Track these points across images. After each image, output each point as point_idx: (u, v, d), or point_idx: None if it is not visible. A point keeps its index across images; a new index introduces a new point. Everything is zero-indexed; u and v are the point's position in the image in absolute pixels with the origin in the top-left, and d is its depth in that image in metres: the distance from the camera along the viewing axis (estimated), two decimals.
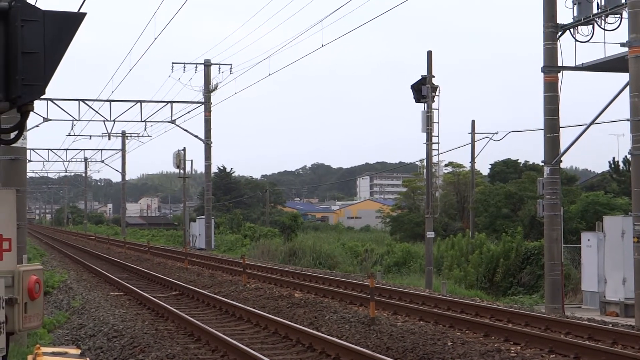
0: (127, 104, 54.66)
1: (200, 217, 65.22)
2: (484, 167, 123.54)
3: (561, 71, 26.11)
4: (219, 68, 56.23)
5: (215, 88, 56.69)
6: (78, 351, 6.92)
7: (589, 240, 27.76)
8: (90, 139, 72.89)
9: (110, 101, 53.70)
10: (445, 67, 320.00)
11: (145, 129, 69.27)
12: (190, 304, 24.03)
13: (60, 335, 18.09)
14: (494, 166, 73.82)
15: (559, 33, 25.90)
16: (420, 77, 34.26)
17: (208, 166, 58.88)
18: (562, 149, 26.29)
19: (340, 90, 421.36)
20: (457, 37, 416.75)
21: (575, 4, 25.24)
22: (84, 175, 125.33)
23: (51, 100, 51.75)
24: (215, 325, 18.57)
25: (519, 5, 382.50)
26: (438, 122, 34.45)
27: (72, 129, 63.79)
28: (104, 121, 55.22)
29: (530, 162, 70.40)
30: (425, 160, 36.25)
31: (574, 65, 25.95)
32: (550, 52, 25.98)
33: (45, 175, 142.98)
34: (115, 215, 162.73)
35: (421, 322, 18.82)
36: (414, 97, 34.33)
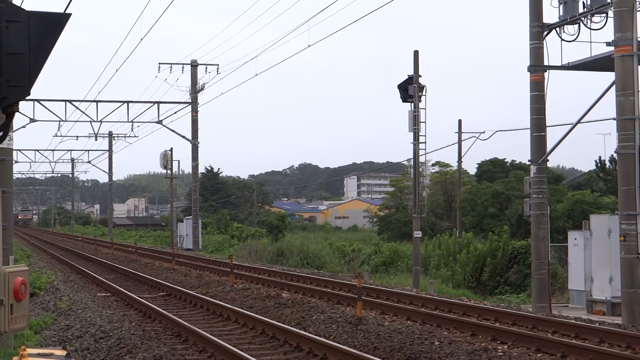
0: (114, 105, 54.54)
1: (187, 217, 65.09)
2: (471, 167, 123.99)
3: (547, 70, 26.21)
4: (206, 68, 56.21)
5: (202, 88, 56.66)
6: (64, 352, 6.90)
7: (575, 239, 27.81)
8: (77, 139, 72.77)
9: (97, 102, 53.55)
10: (432, 66, 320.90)
11: (132, 130, 69.47)
12: (177, 304, 23.99)
13: (47, 337, 18.03)
14: (481, 165, 73.86)
15: (545, 32, 26.00)
16: (407, 77, 34.28)
17: (195, 166, 58.80)
18: (548, 148, 26.39)
19: (327, 90, 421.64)
20: (444, 37, 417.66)
21: (561, 4, 25.34)
22: (71, 176, 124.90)
23: (37, 101, 51.56)
24: (203, 326, 18.54)
25: (505, 5, 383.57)
26: (425, 122, 34.51)
27: (58, 129, 63.89)
28: (90, 122, 55.06)
29: (517, 161, 70.46)
30: (412, 160, 36.28)
31: (560, 64, 26.05)
32: (537, 52, 26.08)
33: (32, 176, 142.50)
34: (103, 216, 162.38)
35: (408, 322, 18.84)
36: (401, 97, 34.36)
